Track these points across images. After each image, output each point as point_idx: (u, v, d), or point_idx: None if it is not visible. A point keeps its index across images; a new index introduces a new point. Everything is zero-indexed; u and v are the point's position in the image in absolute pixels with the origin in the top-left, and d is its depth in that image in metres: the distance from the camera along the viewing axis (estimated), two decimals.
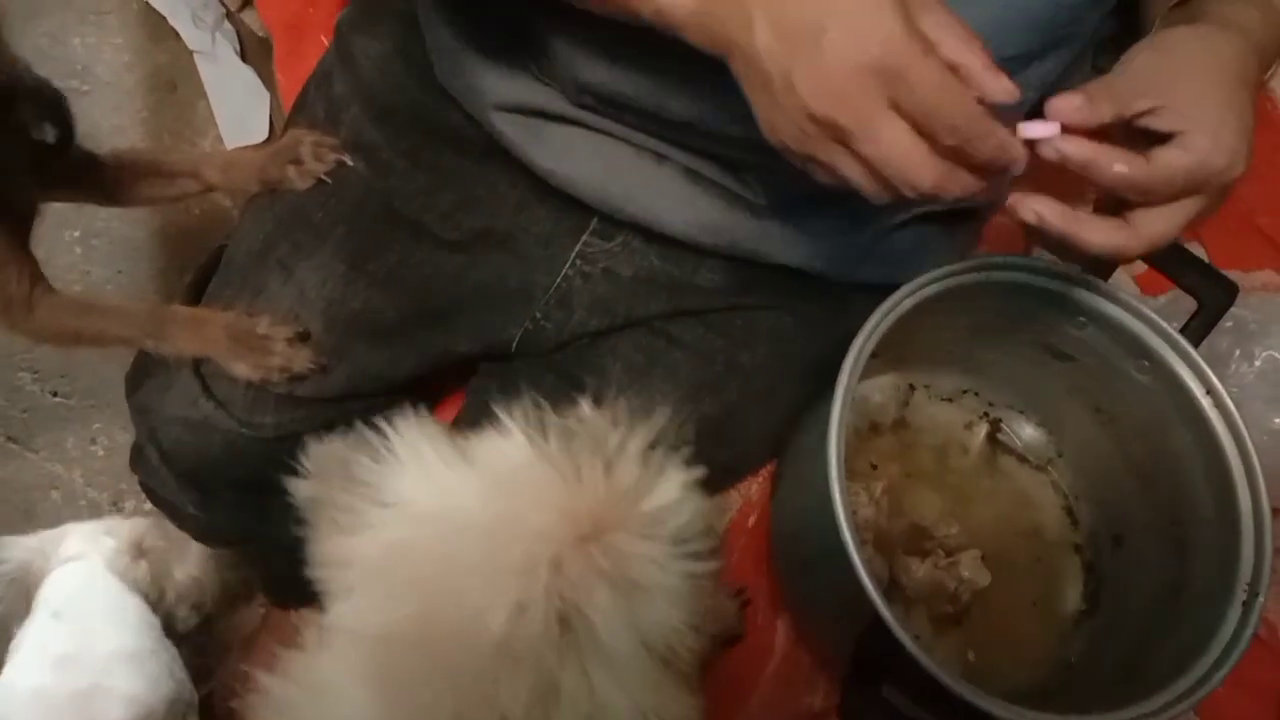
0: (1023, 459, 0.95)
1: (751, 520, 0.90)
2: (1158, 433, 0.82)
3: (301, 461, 0.59)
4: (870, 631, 0.70)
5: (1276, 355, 0.88)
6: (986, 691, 0.67)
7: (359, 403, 0.89)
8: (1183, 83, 0.62)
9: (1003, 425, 0.95)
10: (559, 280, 0.86)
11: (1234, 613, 0.74)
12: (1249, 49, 0.65)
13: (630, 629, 0.50)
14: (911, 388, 0.94)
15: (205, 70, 1.73)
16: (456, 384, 0.99)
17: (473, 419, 0.89)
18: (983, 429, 0.95)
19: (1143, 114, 0.61)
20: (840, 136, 0.53)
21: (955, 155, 0.53)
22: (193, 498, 0.93)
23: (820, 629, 0.85)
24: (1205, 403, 0.78)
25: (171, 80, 1.77)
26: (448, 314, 0.87)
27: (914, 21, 0.52)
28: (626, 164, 0.81)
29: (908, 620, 0.85)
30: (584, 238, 0.86)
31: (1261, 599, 0.73)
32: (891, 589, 0.86)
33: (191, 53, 1.74)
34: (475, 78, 0.82)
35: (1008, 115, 0.72)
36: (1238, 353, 0.89)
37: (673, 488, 0.53)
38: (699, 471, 0.54)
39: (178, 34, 1.74)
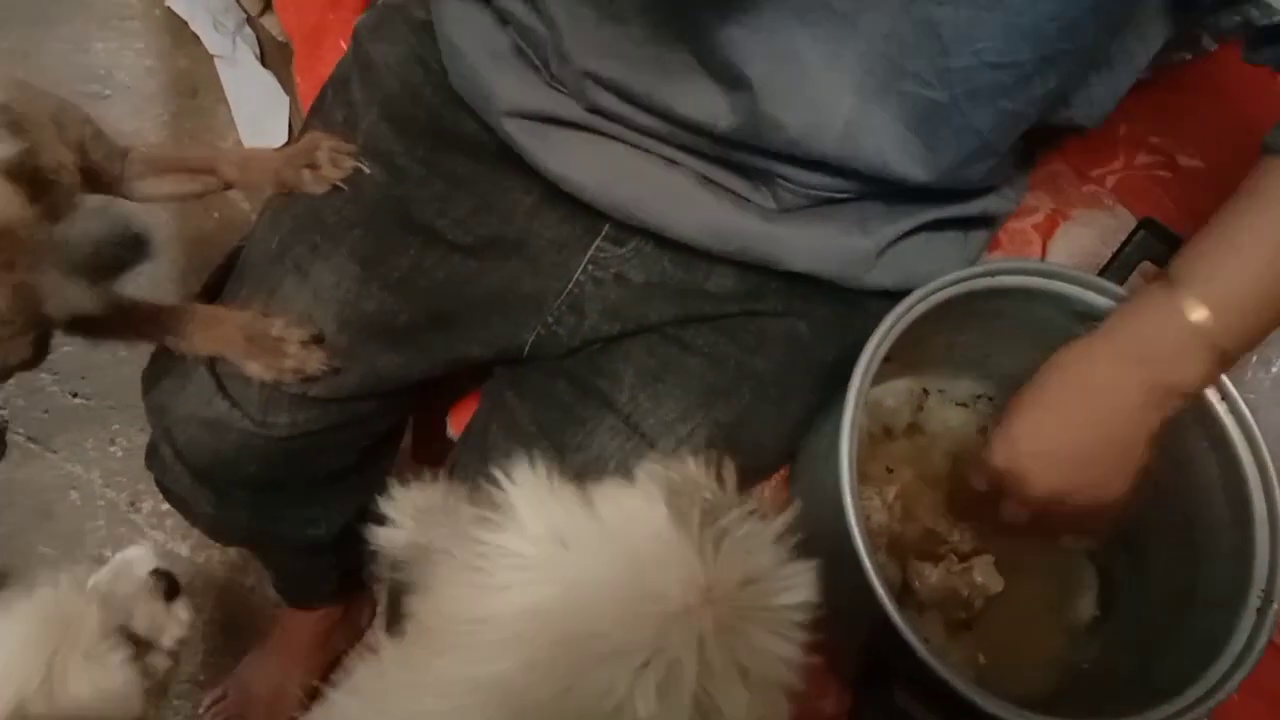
0: None
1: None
2: (1172, 438, 0.81)
3: (387, 510, 0.59)
4: (882, 636, 0.69)
5: None
6: (998, 697, 0.67)
7: (372, 403, 0.90)
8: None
9: None
10: (571, 285, 0.87)
11: (1248, 619, 0.73)
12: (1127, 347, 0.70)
13: None
14: (925, 392, 0.94)
15: (226, 75, 1.75)
16: (471, 385, 1.00)
17: (487, 421, 0.89)
18: None
19: None
20: None
21: None
22: (207, 496, 0.94)
23: (832, 633, 0.85)
24: (1220, 408, 0.78)
25: (192, 85, 1.79)
26: (460, 318, 0.87)
27: None
28: (638, 169, 0.81)
29: (920, 625, 0.85)
30: (596, 243, 0.86)
31: (1276, 605, 0.73)
32: (904, 594, 0.85)
33: (212, 58, 1.76)
34: (488, 85, 0.82)
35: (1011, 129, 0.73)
36: (1254, 359, 0.88)
37: (807, 583, 0.52)
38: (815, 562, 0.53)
39: (198, 39, 1.76)
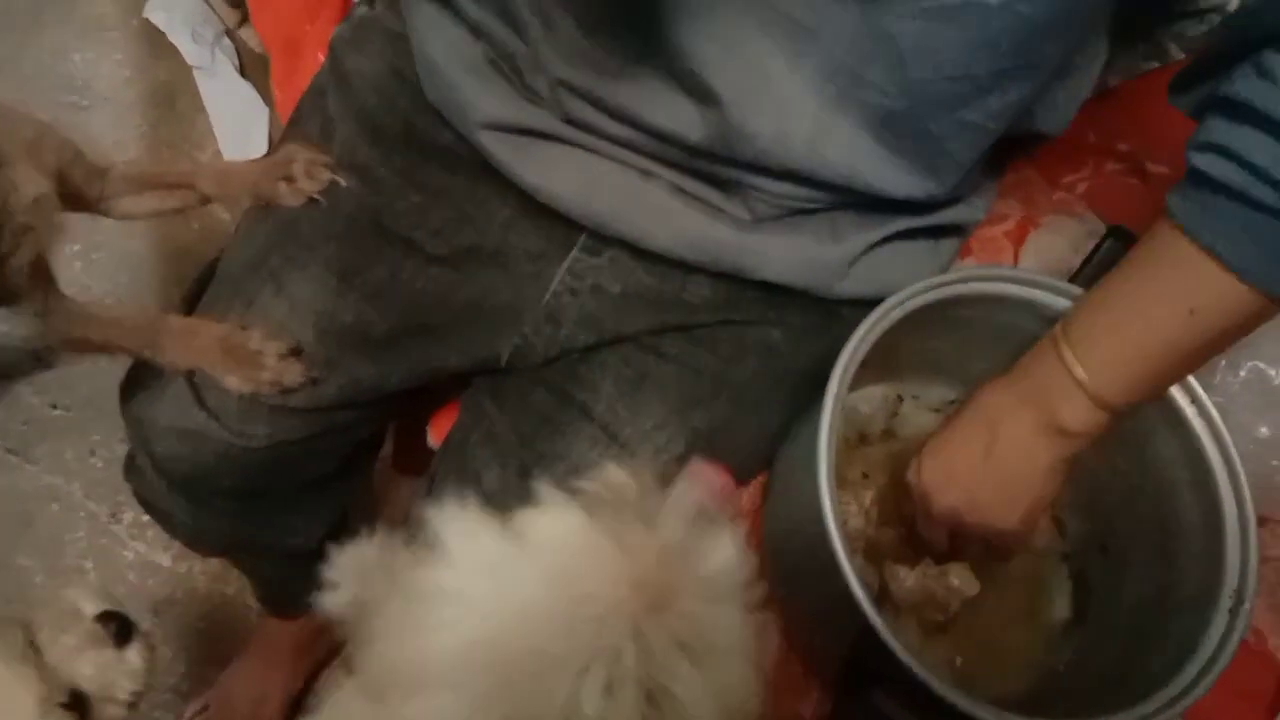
0: None
1: (743, 531, 0.91)
2: (1144, 442, 0.83)
3: (327, 573, 0.59)
4: (861, 639, 0.70)
5: (1262, 366, 0.88)
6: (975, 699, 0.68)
7: (351, 413, 0.90)
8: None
9: None
10: (548, 296, 0.87)
11: (1220, 619, 0.74)
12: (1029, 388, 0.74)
13: (712, 696, 0.50)
14: (899, 398, 0.95)
15: (204, 86, 1.75)
16: (451, 394, 1.00)
17: (467, 431, 0.90)
18: None
19: None
20: None
21: None
22: (185, 507, 0.94)
23: (811, 637, 0.85)
24: (1190, 411, 0.79)
25: (171, 96, 1.79)
26: (438, 329, 0.88)
27: None
28: (613, 180, 0.82)
29: (897, 628, 0.85)
30: (572, 253, 0.87)
31: (1247, 606, 0.73)
32: (881, 598, 0.86)
33: (191, 68, 1.76)
34: (463, 97, 0.83)
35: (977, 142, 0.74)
36: (1224, 363, 0.89)
37: (727, 545, 0.53)
38: (743, 524, 0.54)
39: (177, 50, 1.76)
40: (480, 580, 0.51)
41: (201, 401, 0.86)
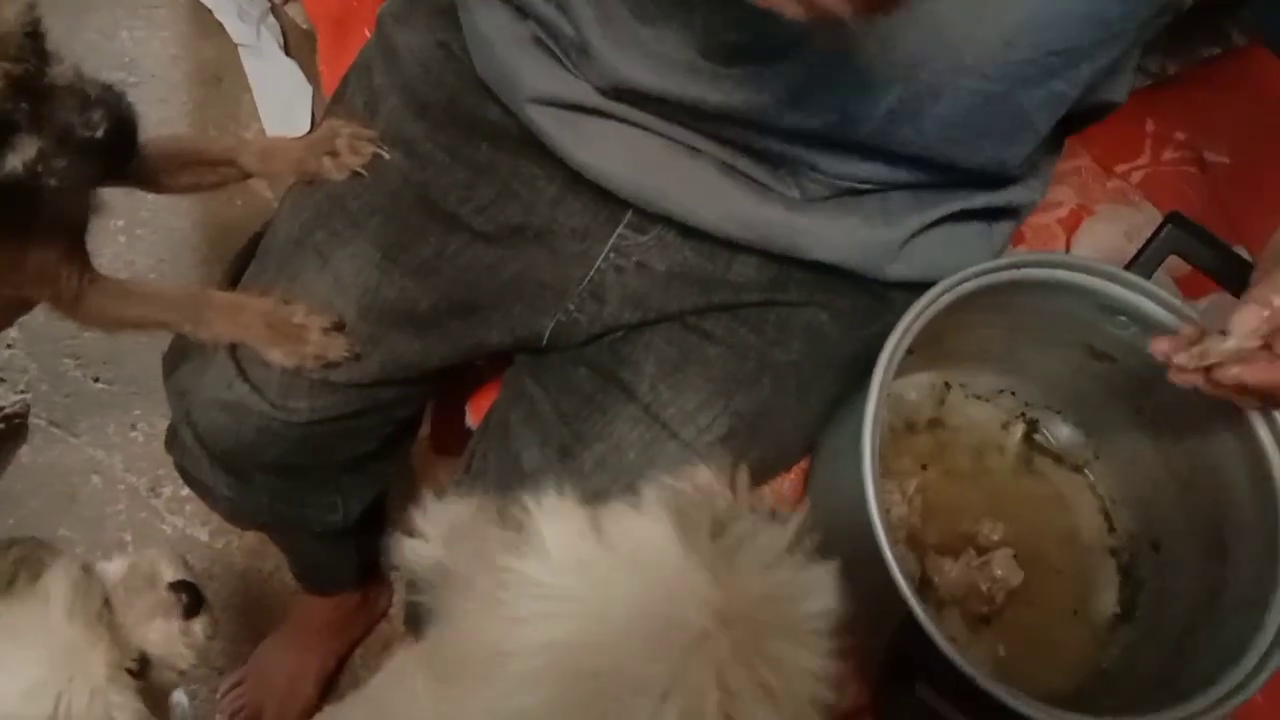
0: (1060, 460, 0.93)
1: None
2: (1199, 436, 0.81)
3: (419, 523, 0.57)
4: (904, 630, 0.69)
5: None
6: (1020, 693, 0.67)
7: (392, 389, 0.90)
8: None
9: (1040, 426, 0.94)
10: (592, 273, 0.87)
11: (1273, 619, 0.72)
12: None
13: None
14: (948, 386, 0.93)
15: (250, 64, 1.76)
16: (489, 375, 1.00)
17: (508, 410, 0.89)
18: (1019, 429, 0.93)
19: None
20: None
21: None
22: (226, 480, 0.95)
23: (853, 627, 0.84)
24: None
25: (217, 74, 1.79)
26: (481, 306, 0.87)
27: None
28: (661, 157, 0.81)
29: (940, 620, 0.84)
30: (618, 230, 0.86)
31: None
32: (924, 588, 0.85)
33: (236, 46, 1.76)
34: (511, 71, 0.82)
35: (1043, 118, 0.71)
36: None
37: (825, 587, 0.50)
38: (835, 565, 0.52)
39: (223, 28, 1.76)
40: (573, 580, 0.50)
41: (244, 374, 0.86)
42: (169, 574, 0.77)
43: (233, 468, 0.93)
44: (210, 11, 1.77)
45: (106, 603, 0.73)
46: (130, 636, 0.73)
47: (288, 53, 1.75)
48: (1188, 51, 1.04)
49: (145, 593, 0.75)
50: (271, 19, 1.77)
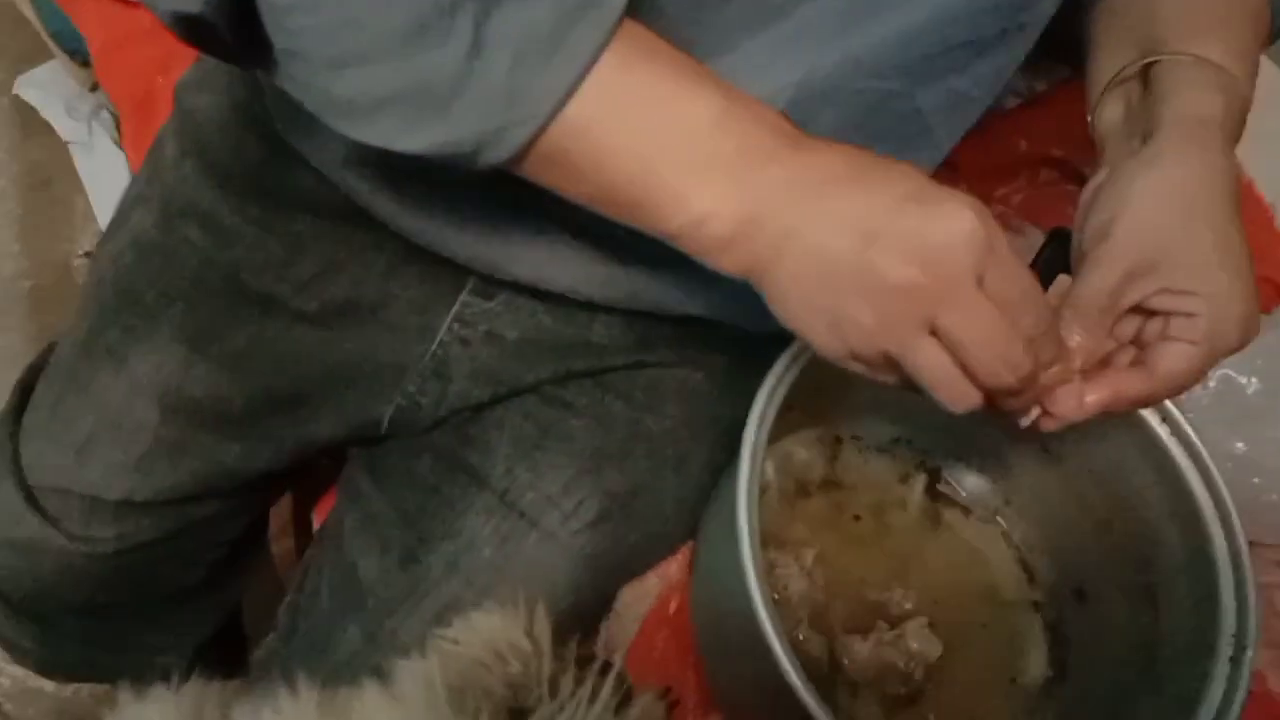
0: (968, 511, 0.85)
1: (673, 606, 0.80)
2: (1113, 470, 0.74)
3: None
4: None
5: (1232, 374, 0.80)
6: None
7: (213, 503, 0.79)
8: (1179, 251, 0.58)
9: (943, 475, 0.86)
10: (434, 348, 0.76)
11: (1220, 670, 0.65)
12: (1228, 154, 0.59)
13: None
14: (839, 440, 0.85)
15: (81, 161, 1.64)
16: (335, 471, 0.89)
17: (343, 513, 0.78)
18: (920, 481, 0.85)
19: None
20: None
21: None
22: (30, 630, 0.82)
23: None
24: (1162, 432, 0.70)
25: (46, 176, 1.68)
26: (307, 397, 0.76)
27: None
28: (501, 219, 0.71)
29: (855, 706, 0.75)
30: (461, 297, 0.76)
31: (1250, 653, 0.64)
32: (835, 673, 0.75)
33: (66, 145, 1.65)
34: (322, 132, 0.72)
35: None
36: None
37: None
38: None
39: (51, 127, 1.65)
40: None
41: (35, 505, 0.74)
42: None
43: (36, 614, 0.81)
44: (35, 110, 1.66)
45: None
46: None
47: (120, 146, 1.64)
48: (1051, 69, 1.00)
49: None
50: (104, 114, 1.66)
